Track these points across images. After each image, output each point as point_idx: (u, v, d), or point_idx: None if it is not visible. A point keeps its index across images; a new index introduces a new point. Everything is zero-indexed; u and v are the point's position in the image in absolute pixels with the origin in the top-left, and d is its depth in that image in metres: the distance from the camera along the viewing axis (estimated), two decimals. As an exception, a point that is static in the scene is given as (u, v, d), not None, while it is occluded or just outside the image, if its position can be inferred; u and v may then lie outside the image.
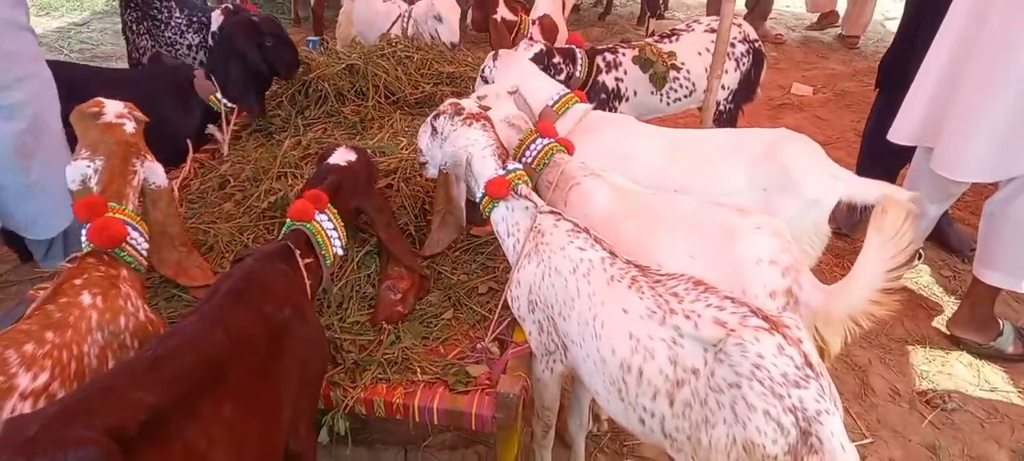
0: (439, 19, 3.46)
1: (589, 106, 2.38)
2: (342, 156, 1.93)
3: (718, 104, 3.22)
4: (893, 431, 2.41)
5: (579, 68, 2.97)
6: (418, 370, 1.74)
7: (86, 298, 1.42)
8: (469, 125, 1.90)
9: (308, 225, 1.71)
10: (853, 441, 1.22)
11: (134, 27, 3.76)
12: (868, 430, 2.39)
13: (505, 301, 1.82)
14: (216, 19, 3.36)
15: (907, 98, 2.64)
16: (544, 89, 2.43)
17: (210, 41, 3.50)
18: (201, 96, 2.69)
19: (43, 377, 1.28)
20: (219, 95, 2.66)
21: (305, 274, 1.64)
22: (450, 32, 3.50)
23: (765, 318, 1.28)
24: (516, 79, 2.45)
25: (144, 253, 1.62)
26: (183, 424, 1.12)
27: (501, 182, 1.80)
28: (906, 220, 1.36)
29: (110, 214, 1.55)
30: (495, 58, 2.55)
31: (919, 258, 3.26)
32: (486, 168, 1.84)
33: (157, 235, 1.74)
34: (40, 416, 1.02)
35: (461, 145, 1.88)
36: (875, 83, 3.39)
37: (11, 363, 1.25)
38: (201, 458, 1.13)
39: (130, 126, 1.71)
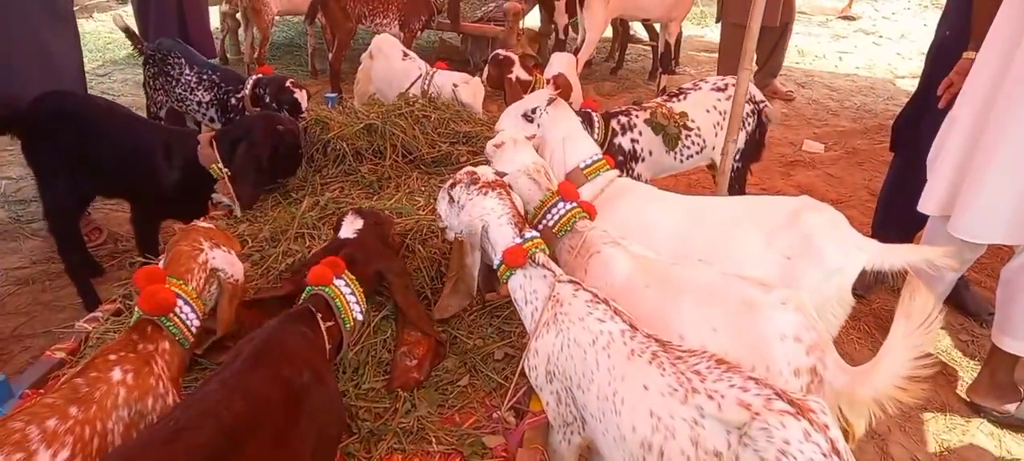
0: (463, 105, 3.52)
1: (615, 173, 2.40)
2: (350, 226, 1.96)
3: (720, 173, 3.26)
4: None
5: (596, 131, 3.00)
6: (434, 440, 1.72)
7: (116, 374, 1.43)
8: (484, 194, 1.91)
9: (327, 289, 1.72)
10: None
11: (152, 82, 3.85)
12: (890, 502, 2.34)
13: (522, 369, 1.81)
14: (249, 83, 3.43)
15: (933, 169, 2.65)
16: (582, 149, 2.45)
17: (232, 102, 3.56)
18: (202, 162, 2.70)
19: (63, 454, 1.27)
20: (220, 165, 2.68)
21: (326, 337, 1.65)
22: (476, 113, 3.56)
23: (791, 402, 1.26)
24: (564, 132, 2.48)
25: (193, 329, 1.62)
26: None
27: (518, 251, 1.80)
28: (935, 307, 1.35)
29: (166, 286, 1.58)
30: (550, 103, 2.56)
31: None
32: (503, 236, 1.85)
33: (220, 326, 1.76)
34: None
35: (476, 214, 1.89)
36: (890, 145, 3.41)
37: (32, 439, 1.24)
38: None
39: (204, 224, 1.84)
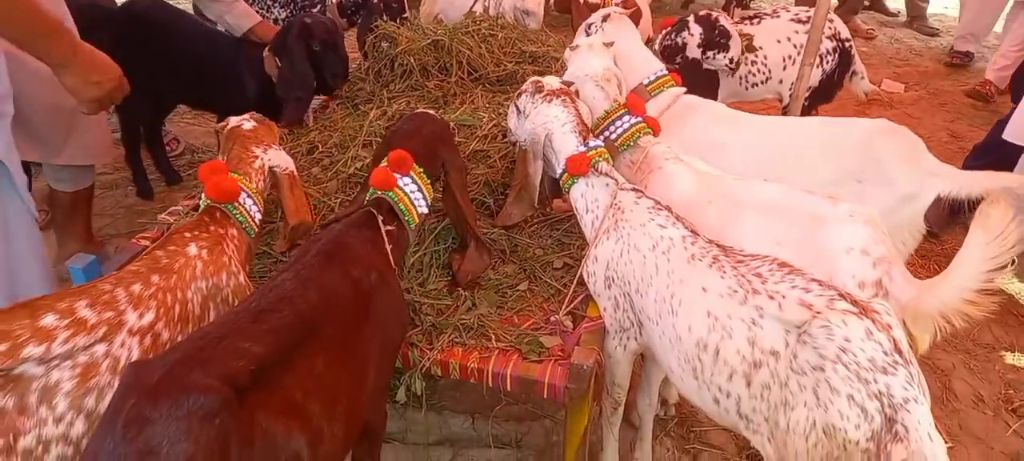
0: (526, 13, 3.51)
1: (682, 90, 2.34)
2: (421, 111, 1.98)
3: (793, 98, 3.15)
4: (975, 438, 2.32)
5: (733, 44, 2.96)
6: (493, 337, 1.76)
7: (192, 249, 1.52)
8: (549, 102, 1.92)
9: (390, 194, 1.72)
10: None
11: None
12: (949, 435, 2.31)
13: (580, 276, 1.83)
14: None
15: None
16: (644, 65, 2.40)
17: None
18: (268, 71, 2.78)
19: (149, 316, 1.36)
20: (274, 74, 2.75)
21: (386, 241, 1.67)
22: (535, 22, 3.59)
23: (854, 302, 1.26)
24: (622, 48, 2.42)
25: (256, 220, 1.71)
26: (283, 374, 1.17)
27: (581, 159, 1.81)
28: (1013, 219, 1.31)
29: (230, 177, 1.67)
30: (605, 19, 2.50)
31: (1011, 264, 3.11)
32: (566, 144, 1.86)
33: (290, 216, 1.82)
34: (163, 362, 1.07)
35: (540, 122, 1.90)
36: (1011, 96, 3.25)
37: (120, 300, 1.34)
38: (298, 406, 1.18)
39: (247, 124, 1.87)
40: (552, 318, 1.84)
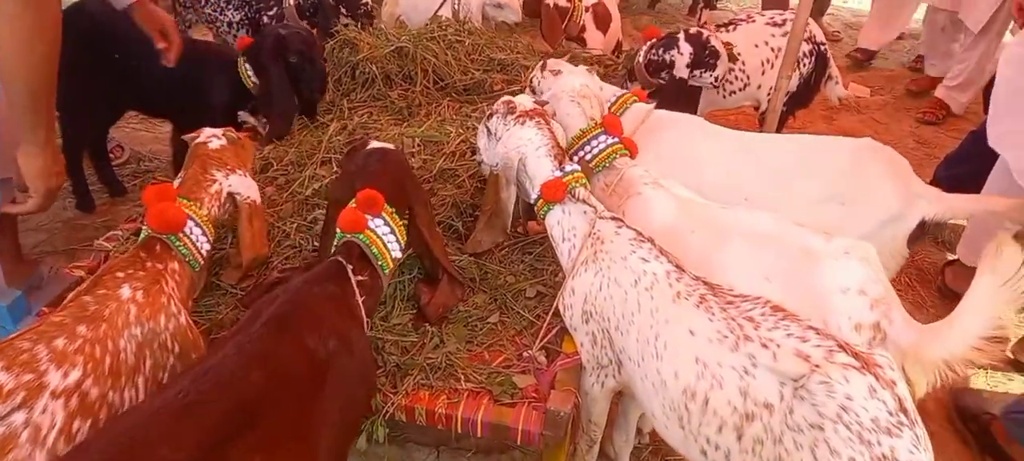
0: (499, 6, 3.40)
1: (651, 106, 2.24)
2: (379, 146, 1.80)
3: (768, 104, 3.09)
4: (949, 458, 2.28)
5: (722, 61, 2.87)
6: (462, 377, 1.64)
7: (125, 292, 1.36)
8: (522, 124, 1.80)
9: (360, 236, 1.57)
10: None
11: (182, 0, 3.70)
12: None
13: (555, 308, 1.72)
14: None
15: (991, 103, 2.49)
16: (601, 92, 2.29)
17: (264, 21, 3.43)
18: (243, 81, 2.62)
19: (75, 374, 1.21)
20: (253, 79, 2.59)
21: (358, 292, 1.51)
22: (514, 14, 3.51)
23: (855, 354, 1.17)
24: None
25: (203, 253, 1.56)
26: None
27: (557, 185, 1.69)
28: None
29: (177, 205, 1.52)
30: (543, 68, 2.31)
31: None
32: (541, 169, 1.74)
33: (244, 249, 1.69)
34: None
35: (513, 146, 1.78)
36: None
37: (41, 359, 1.19)
38: None
39: (215, 142, 1.74)
40: (525, 353, 1.73)
